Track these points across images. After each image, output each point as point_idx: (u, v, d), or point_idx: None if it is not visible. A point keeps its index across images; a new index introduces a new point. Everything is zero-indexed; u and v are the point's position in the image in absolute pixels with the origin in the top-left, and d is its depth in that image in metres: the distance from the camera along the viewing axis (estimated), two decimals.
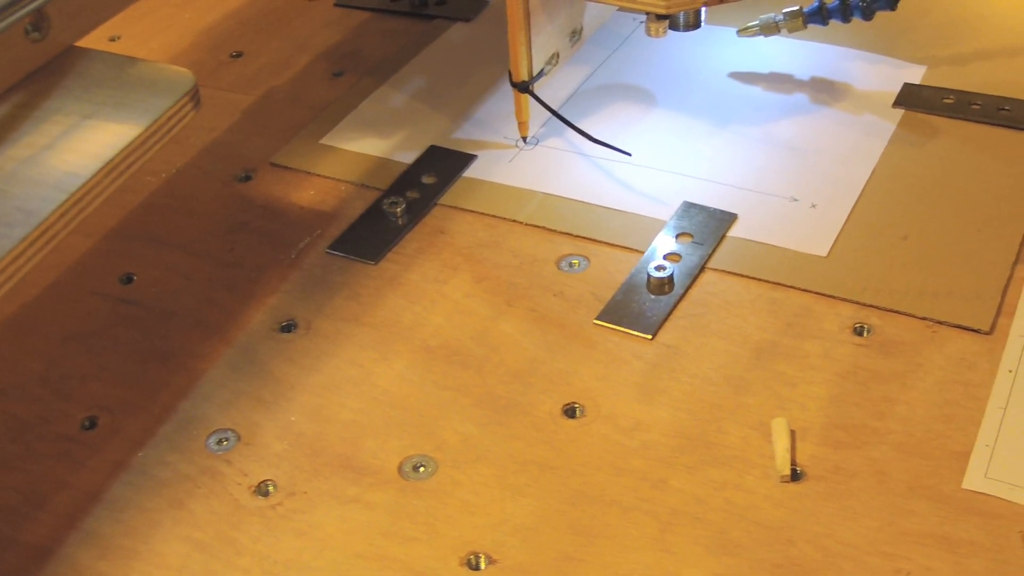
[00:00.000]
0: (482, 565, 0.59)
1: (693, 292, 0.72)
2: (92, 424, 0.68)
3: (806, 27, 0.89)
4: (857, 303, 0.70)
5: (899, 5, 0.86)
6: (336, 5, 1.06)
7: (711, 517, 0.60)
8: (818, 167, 0.81)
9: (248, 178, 0.86)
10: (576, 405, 0.66)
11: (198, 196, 0.84)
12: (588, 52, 0.94)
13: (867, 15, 0.87)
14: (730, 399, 0.66)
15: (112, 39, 1.02)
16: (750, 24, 0.90)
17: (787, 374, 0.67)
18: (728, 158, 0.83)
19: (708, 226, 0.76)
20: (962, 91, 0.86)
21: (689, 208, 0.78)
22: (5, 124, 0.66)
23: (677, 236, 0.76)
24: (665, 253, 0.74)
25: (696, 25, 0.84)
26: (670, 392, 0.66)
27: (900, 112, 0.85)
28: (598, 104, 0.89)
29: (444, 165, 0.84)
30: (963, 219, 0.75)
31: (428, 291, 0.74)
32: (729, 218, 0.77)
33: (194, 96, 0.71)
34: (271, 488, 0.63)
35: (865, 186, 0.79)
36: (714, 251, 0.75)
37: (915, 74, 0.89)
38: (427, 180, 0.83)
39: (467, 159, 0.84)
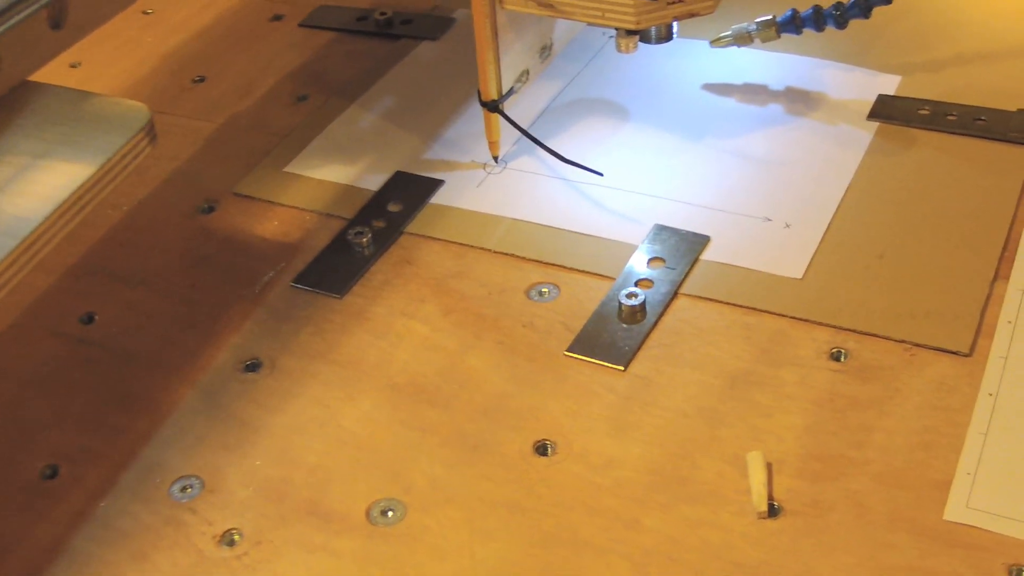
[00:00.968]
0: None
1: (666, 319, 0.71)
2: (53, 473, 0.66)
3: (779, 36, 0.87)
4: (833, 327, 0.69)
5: (873, 13, 0.84)
6: (300, 25, 1.04)
7: (687, 557, 0.58)
8: (792, 184, 0.79)
9: (211, 209, 0.84)
10: (547, 442, 0.64)
11: (160, 229, 0.83)
12: (559, 66, 0.92)
13: (841, 24, 0.85)
14: (704, 432, 0.64)
15: (73, 65, 1.00)
16: (723, 35, 0.89)
17: (762, 404, 0.65)
18: (701, 176, 0.81)
19: (680, 249, 0.74)
20: (938, 101, 0.84)
21: (661, 231, 0.76)
22: None
23: (649, 261, 0.74)
24: (637, 279, 0.73)
25: (668, 38, 0.82)
26: (643, 426, 0.65)
27: (875, 124, 0.84)
28: (569, 121, 0.88)
29: (410, 191, 0.82)
30: (940, 235, 0.74)
31: (395, 325, 0.73)
32: (702, 240, 0.75)
33: (149, 131, 0.69)
34: (236, 537, 0.62)
35: (840, 203, 0.77)
36: (687, 276, 0.73)
37: (890, 84, 0.87)
38: (393, 208, 0.81)
39: (434, 184, 0.82)
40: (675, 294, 0.72)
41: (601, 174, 0.81)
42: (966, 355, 0.66)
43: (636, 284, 0.72)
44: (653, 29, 0.81)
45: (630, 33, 0.79)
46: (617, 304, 0.71)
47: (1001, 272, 0.71)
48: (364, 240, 0.78)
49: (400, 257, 0.78)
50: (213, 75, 0.99)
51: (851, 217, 0.76)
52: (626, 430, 0.65)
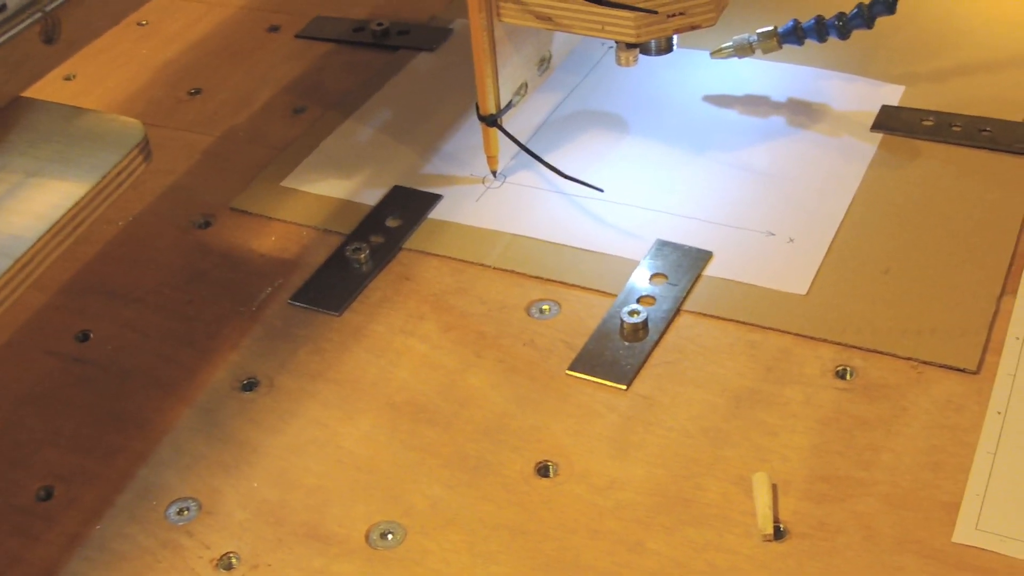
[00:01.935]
0: None
1: (668, 337, 0.70)
2: (48, 495, 0.65)
3: (781, 47, 0.86)
4: (839, 344, 0.68)
5: (876, 23, 0.83)
6: (297, 37, 1.03)
7: None
8: (795, 197, 0.78)
9: (207, 224, 0.83)
10: (548, 463, 0.63)
11: (156, 244, 0.82)
12: (558, 79, 0.91)
13: (843, 34, 0.84)
14: (708, 452, 0.63)
15: (67, 78, 0.99)
16: (724, 46, 0.88)
17: (767, 423, 0.64)
18: (703, 190, 0.80)
19: (683, 265, 0.74)
20: (942, 112, 0.83)
21: (663, 247, 0.75)
22: None
23: (651, 277, 0.73)
24: (638, 296, 0.72)
25: (668, 50, 0.81)
26: (646, 447, 0.64)
27: (879, 136, 0.83)
28: (569, 135, 0.87)
29: (409, 206, 0.81)
30: (946, 249, 0.73)
31: (394, 343, 0.72)
32: (704, 256, 0.74)
33: (144, 148, 0.68)
34: (234, 560, 0.61)
35: (844, 217, 0.76)
36: (689, 292, 0.72)
37: (893, 94, 0.86)
38: (391, 223, 0.80)
39: (432, 199, 0.81)
40: (678, 311, 0.71)
41: (601, 190, 0.80)
42: (974, 372, 0.65)
43: (638, 301, 0.71)
44: (653, 41, 0.80)
45: (630, 47, 0.78)
46: (619, 321, 0.70)
47: (1008, 287, 0.70)
48: (362, 256, 0.77)
49: (399, 273, 0.77)
50: (209, 87, 0.98)
51: (856, 231, 0.75)
52: (629, 450, 0.64)
